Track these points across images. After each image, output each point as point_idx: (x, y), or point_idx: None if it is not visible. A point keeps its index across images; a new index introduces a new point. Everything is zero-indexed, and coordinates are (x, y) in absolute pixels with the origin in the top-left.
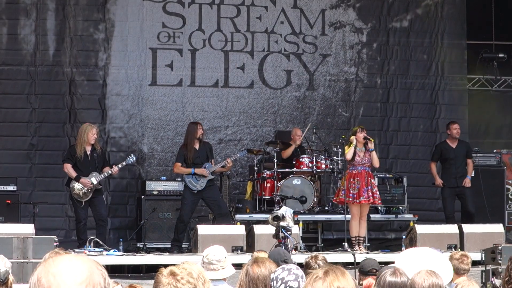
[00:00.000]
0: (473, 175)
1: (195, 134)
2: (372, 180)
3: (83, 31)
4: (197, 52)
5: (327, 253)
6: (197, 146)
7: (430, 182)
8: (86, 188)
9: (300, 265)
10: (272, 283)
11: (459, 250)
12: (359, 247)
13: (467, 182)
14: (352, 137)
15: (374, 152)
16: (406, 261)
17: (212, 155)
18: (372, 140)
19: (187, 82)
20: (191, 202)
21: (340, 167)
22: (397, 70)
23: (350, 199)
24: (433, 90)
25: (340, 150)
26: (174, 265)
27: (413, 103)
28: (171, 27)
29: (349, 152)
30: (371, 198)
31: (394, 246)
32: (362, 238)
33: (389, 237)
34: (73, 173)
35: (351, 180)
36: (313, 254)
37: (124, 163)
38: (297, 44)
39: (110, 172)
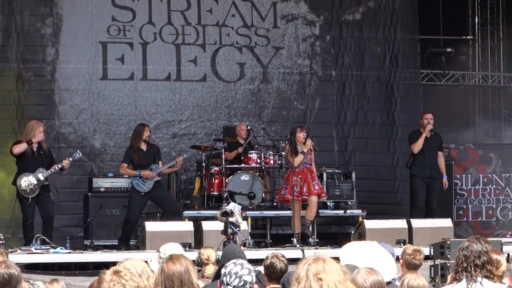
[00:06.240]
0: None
1: (142, 136)
2: (313, 175)
3: (30, 26)
4: (148, 46)
5: (276, 249)
6: (144, 148)
7: (389, 175)
8: (33, 184)
9: (250, 261)
10: (224, 278)
11: (411, 244)
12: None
13: (446, 183)
14: (304, 145)
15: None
16: (351, 257)
17: (160, 157)
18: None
19: (139, 76)
20: (139, 204)
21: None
22: (351, 62)
23: (295, 197)
24: (388, 83)
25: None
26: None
27: (369, 95)
28: (121, 21)
29: (297, 160)
30: (318, 190)
31: (343, 241)
32: (309, 222)
33: (339, 232)
34: None
35: (294, 178)
36: (274, 253)
37: (70, 159)
38: (249, 37)
39: (60, 166)
